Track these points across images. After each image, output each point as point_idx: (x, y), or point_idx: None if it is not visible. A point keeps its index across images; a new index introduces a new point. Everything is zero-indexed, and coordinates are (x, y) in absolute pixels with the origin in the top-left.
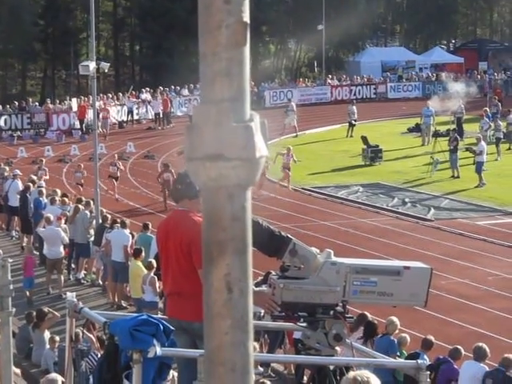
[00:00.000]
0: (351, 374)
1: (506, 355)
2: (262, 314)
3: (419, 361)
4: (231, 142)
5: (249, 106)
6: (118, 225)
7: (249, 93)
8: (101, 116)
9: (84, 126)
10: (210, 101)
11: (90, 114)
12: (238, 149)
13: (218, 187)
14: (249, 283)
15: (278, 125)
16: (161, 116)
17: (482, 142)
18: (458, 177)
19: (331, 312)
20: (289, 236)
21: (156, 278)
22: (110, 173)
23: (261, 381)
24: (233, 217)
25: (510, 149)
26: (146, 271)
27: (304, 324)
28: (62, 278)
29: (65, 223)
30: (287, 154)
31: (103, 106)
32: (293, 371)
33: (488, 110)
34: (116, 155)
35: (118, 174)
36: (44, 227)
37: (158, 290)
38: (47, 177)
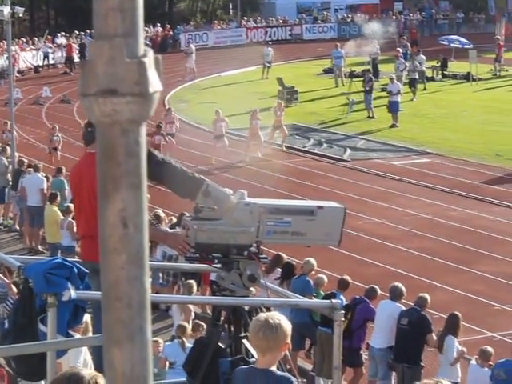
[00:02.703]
0: (262, 315)
1: (421, 294)
2: (177, 256)
3: (333, 300)
4: (124, 78)
5: (142, 41)
6: (31, 169)
7: (142, 28)
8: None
9: None
10: (103, 37)
11: None
12: (131, 84)
13: (111, 123)
14: (144, 218)
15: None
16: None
17: (396, 82)
18: (373, 117)
19: (245, 253)
20: (202, 177)
21: (74, 222)
22: None
23: (180, 324)
24: (127, 152)
25: (413, 89)
26: (61, 216)
27: (218, 265)
28: None
29: None
30: (278, 108)
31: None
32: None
33: (400, 50)
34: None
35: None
36: None
37: (75, 234)
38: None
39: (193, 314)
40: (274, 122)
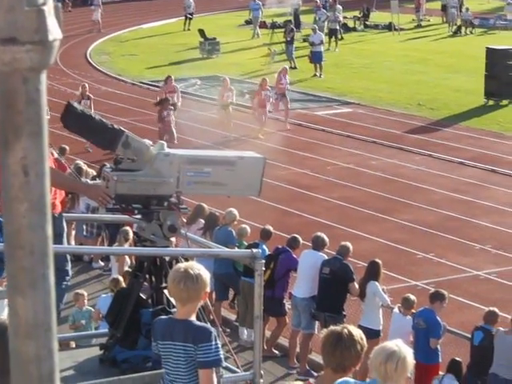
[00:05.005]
0: (181, 266)
1: (343, 243)
2: (97, 207)
3: (254, 250)
4: (24, 26)
5: None
6: None
7: None
8: None
9: None
10: None
11: None
12: (31, 32)
13: (12, 71)
14: (45, 166)
15: (112, 20)
16: None
17: (319, 32)
18: (295, 67)
19: (165, 203)
20: (121, 128)
21: None
22: None
23: (114, 277)
24: (28, 100)
25: (335, 39)
26: None
27: (139, 216)
28: None
29: None
30: (283, 74)
31: None
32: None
33: (318, 1)
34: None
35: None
36: None
37: None
38: None
39: (128, 262)
40: (276, 90)
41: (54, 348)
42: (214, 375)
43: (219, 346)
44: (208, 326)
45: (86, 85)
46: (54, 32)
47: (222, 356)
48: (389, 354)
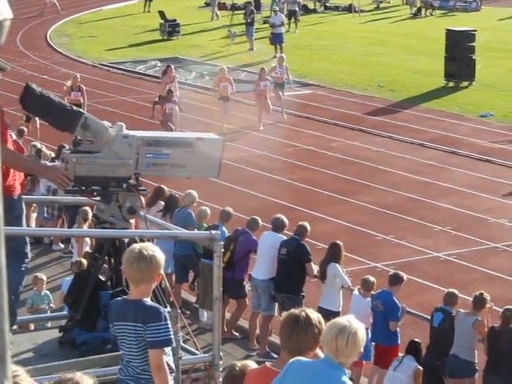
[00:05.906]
0: (136, 247)
1: (300, 223)
2: (57, 188)
3: (213, 231)
4: None
5: None
6: None
7: None
8: None
9: None
10: None
11: None
12: None
13: None
14: None
15: (72, 1)
16: None
17: (280, 14)
18: (251, 49)
19: (124, 185)
20: (80, 110)
21: None
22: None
23: (77, 260)
24: None
25: (295, 21)
26: None
27: (98, 198)
28: None
29: None
30: (279, 65)
31: None
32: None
33: None
34: None
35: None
36: None
37: None
38: None
39: (88, 242)
40: (275, 79)
41: (5, 328)
42: (168, 356)
43: (169, 326)
44: (158, 306)
45: (78, 76)
46: (4, 12)
47: (171, 336)
48: (339, 329)
